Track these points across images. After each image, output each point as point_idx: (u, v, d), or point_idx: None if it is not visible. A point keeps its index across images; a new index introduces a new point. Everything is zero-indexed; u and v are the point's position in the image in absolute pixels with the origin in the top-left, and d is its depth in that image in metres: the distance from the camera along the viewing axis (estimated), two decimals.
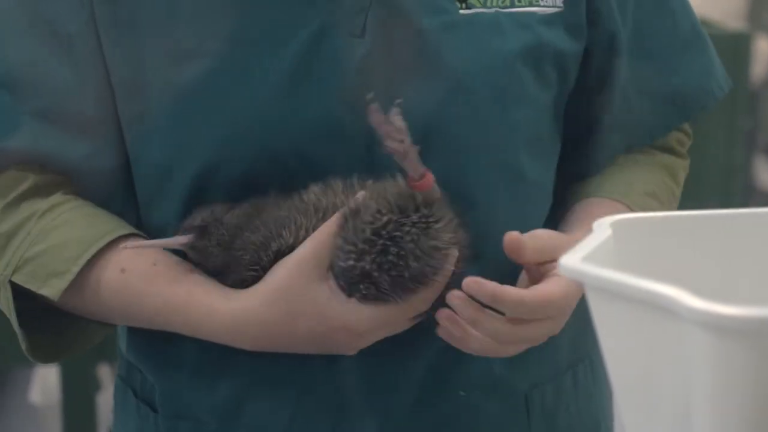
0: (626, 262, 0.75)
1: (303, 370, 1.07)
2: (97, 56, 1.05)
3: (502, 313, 0.98)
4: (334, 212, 1.00)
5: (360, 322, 0.99)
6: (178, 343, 1.08)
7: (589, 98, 1.14)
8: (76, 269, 1.03)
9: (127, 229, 1.06)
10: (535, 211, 1.11)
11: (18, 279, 1.05)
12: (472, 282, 0.97)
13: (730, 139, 2.76)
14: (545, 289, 0.99)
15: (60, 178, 1.07)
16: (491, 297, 0.97)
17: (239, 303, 1.01)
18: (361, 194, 0.99)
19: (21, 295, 1.06)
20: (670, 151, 1.23)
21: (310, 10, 1.02)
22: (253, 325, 1.00)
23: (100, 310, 1.07)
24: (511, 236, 0.99)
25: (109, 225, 1.06)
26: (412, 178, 0.98)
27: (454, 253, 0.99)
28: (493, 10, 1.06)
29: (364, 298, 0.98)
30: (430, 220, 0.98)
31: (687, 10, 1.19)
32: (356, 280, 0.98)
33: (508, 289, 0.97)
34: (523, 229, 1.01)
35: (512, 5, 1.07)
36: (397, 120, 0.97)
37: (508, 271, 1.02)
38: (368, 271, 0.97)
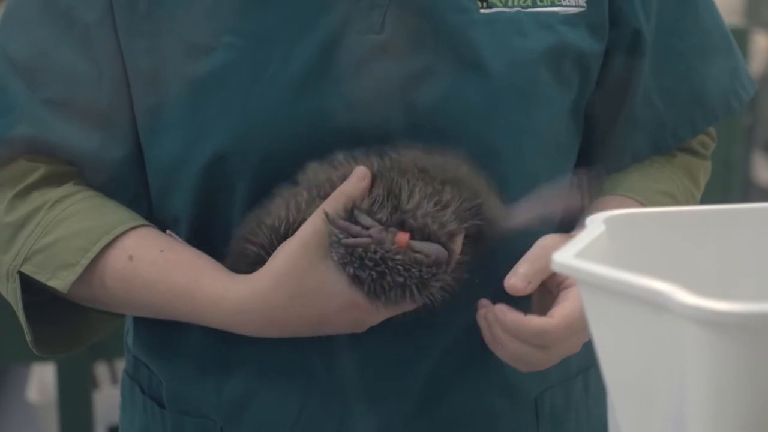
0: (621, 258, 0.75)
1: (309, 365, 1.06)
2: (113, 47, 1.05)
3: None
4: (331, 187, 0.99)
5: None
6: (184, 337, 1.09)
7: (610, 98, 1.13)
8: (85, 262, 1.03)
9: (138, 220, 1.06)
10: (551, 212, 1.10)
11: (27, 270, 1.05)
12: (489, 313, 0.99)
13: (728, 134, 2.75)
14: (565, 313, 0.99)
15: (71, 168, 1.08)
16: (515, 328, 0.98)
17: (246, 287, 1.00)
18: (359, 169, 0.99)
19: (24, 285, 1.06)
20: (690, 152, 1.22)
21: (328, 6, 1.02)
22: (260, 309, 1.00)
23: (108, 298, 1.07)
24: (509, 284, 0.99)
25: (119, 216, 1.06)
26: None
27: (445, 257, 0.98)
28: (514, 9, 1.05)
29: (357, 280, 0.97)
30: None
31: (712, 9, 1.17)
32: (347, 261, 0.97)
33: (528, 320, 0.98)
34: (537, 230, 1.02)
35: (534, 5, 1.06)
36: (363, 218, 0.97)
37: None
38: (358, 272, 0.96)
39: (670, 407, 0.68)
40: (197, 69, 1.02)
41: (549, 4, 1.06)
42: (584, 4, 1.08)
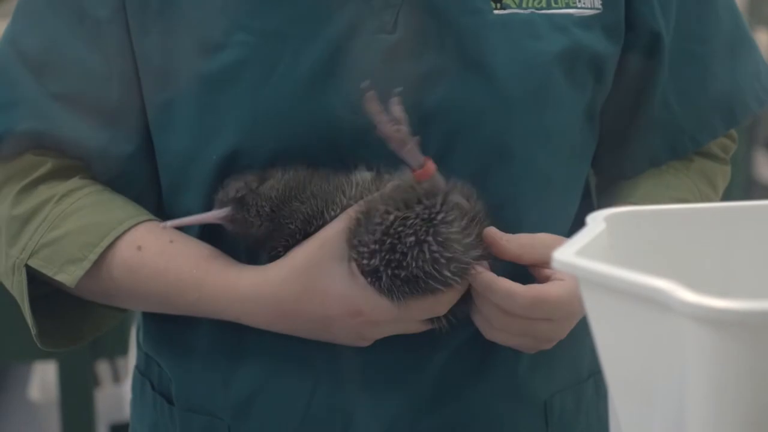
0: (622, 256, 0.75)
1: (316, 363, 1.06)
2: (124, 43, 1.05)
3: None
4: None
5: (376, 309, 0.99)
6: (193, 333, 1.09)
7: (628, 101, 1.12)
8: (93, 257, 1.04)
9: (145, 215, 1.07)
10: (562, 214, 1.10)
11: (34, 264, 1.05)
12: (473, 270, 0.98)
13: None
14: (540, 288, 0.99)
15: (78, 162, 1.08)
16: (484, 285, 0.98)
17: (259, 275, 1.01)
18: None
19: (27, 278, 1.06)
20: (709, 156, 1.20)
21: (341, 5, 1.02)
22: (271, 298, 1.00)
23: (115, 290, 1.07)
24: (488, 231, 0.99)
25: (127, 211, 1.06)
26: (413, 169, 0.98)
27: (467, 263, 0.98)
28: (528, 10, 1.04)
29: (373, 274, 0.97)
30: (434, 210, 0.97)
31: (732, 10, 1.16)
32: (366, 275, 0.97)
33: (500, 280, 0.98)
34: (549, 232, 1.02)
35: (548, 6, 1.05)
36: (396, 109, 0.96)
37: (530, 275, 1.02)
38: (376, 266, 0.97)
39: (670, 404, 0.68)
40: (209, 66, 1.03)
41: (564, 5, 1.05)
42: (600, 6, 1.06)
